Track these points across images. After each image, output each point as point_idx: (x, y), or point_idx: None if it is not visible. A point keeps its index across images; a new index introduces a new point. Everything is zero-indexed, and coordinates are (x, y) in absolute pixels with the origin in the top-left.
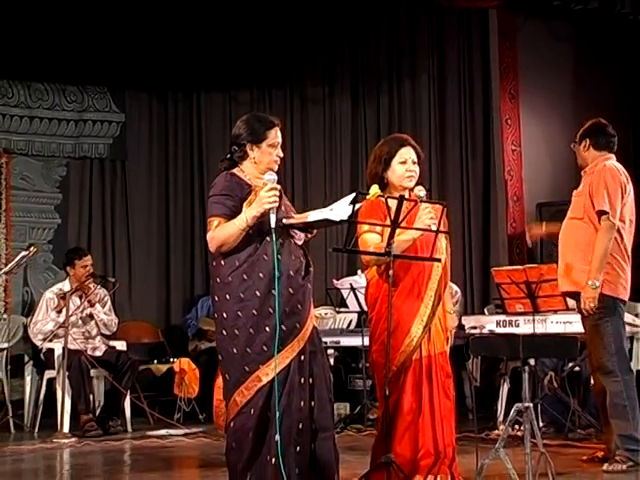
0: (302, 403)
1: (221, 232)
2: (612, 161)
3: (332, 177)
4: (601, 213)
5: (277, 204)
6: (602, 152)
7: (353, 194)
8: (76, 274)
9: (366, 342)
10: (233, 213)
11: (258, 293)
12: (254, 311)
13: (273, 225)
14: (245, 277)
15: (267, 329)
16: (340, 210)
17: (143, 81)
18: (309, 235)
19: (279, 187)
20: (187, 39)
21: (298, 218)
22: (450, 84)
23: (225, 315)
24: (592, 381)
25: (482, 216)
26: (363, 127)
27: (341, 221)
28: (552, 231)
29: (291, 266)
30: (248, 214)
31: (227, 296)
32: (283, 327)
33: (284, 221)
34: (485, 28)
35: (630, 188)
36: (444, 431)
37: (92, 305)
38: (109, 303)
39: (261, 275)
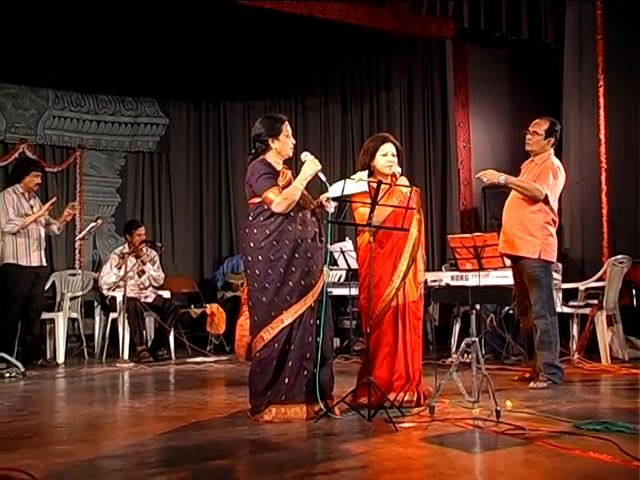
0: (310, 339)
1: (289, 195)
2: (554, 156)
3: (326, 167)
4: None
5: (320, 167)
6: (551, 148)
7: (345, 180)
8: (132, 240)
9: (353, 292)
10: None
11: (285, 256)
12: (281, 270)
13: (324, 178)
14: (275, 243)
15: (290, 284)
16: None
17: (183, 93)
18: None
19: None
20: (217, 62)
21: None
22: (416, 96)
23: (257, 272)
24: (521, 322)
25: (440, 196)
26: (350, 128)
27: (352, 194)
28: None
29: (309, 235)
30: (302, 178)
31: (259, 257)
32: (302, 283)
33: (328, 195)
34: (443, 53)
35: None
36: (413, 360)
37: (144, 263)
38: (157, 262)
39: (287, 242)
